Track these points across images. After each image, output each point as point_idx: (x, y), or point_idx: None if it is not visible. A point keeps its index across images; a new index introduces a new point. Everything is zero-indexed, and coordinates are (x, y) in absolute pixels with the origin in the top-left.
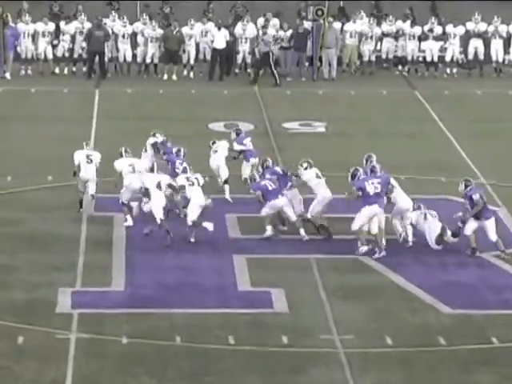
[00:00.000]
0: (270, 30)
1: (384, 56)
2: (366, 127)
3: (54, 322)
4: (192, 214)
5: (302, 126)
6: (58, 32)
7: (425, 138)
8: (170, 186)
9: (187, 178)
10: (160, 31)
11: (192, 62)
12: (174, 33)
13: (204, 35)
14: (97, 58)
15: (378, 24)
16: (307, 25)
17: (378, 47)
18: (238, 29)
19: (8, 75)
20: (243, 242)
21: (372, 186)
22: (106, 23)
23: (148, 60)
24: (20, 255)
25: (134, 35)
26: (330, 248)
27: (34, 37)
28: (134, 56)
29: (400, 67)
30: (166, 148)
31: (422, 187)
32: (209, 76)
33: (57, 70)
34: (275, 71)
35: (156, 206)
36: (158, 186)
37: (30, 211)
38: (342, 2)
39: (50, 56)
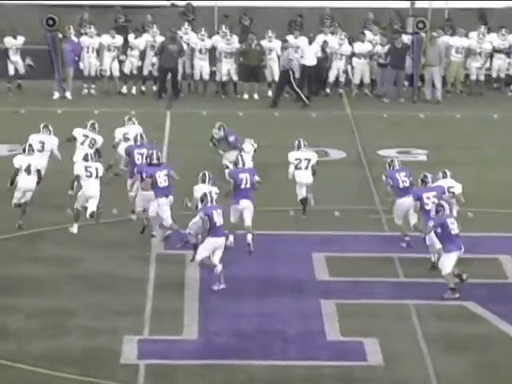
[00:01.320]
0: (314, 45)
1: (494, 75)
2: (474, 155)
3: (119, 374)
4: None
5: (400, 153)
6: (125, 46)
7: None
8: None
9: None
10: (236, 45)
11: (276, 78)
12: (253, 47)
13: (295, 51)
14: (169, 76)
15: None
16: (407, 39)
17: (488, 65)
18: (334, 44)
19: (68, 95)
20: (332, 284)
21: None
22: (180, 36)
23: (223, 78)
24: (80, 298)
25: (212, 50)
26: (431, 292)
27: (99, 51)
28: (213, 73)
29: None
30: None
31: None
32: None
33: (124, 89)
34: (298, 90)
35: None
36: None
37: (90, 249)
38: (446, 13)
39: (116, 73)
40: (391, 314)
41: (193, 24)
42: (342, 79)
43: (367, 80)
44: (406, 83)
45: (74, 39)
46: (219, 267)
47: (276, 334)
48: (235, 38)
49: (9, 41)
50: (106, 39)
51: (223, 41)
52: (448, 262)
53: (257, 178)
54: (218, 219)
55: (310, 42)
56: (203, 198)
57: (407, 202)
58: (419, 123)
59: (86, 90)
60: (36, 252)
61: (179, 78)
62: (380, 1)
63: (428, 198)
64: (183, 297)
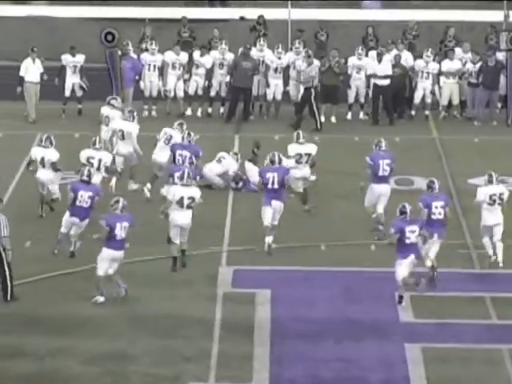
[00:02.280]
0: (384, 63)
1: None
2: None
3: None
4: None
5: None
6: (190, 64)
7: None
8: None
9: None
10: (316, 64)
11: (362, 100)
12: (333, 64)
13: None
14: (241, 96)
15: None
16: (501, 56)
17: None
18: (420, 62)
19: None
20: (417, 327)
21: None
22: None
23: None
24: (140, 342)
25: (287, 68)
26: None
27: (162, 70)
28: (285, 94)
29: None
30: None
31: None
32: (373, 119)
33: (188, 112)
34: (317, 112)
35: None
36: None
37: (150, 286)
38: None
39: (180, 94)
40: (483, 359)
41: (266, 40)
42: (429, 100)
43: (456, 101)
44: (500, 105)
45: (134, 56)
46: (114, 277)
47: (357, 381)
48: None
49: (66, 58)
50: (169, 56)
51: (301, 58)
52: (399, 270)
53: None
54: (120, 232)
55: (380, 60)
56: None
57: (382, 188)
58: None
59: (146, 112)
60: (93, 290)
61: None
62: (472, 11)
63: (436, 207)
64: (253, 340)
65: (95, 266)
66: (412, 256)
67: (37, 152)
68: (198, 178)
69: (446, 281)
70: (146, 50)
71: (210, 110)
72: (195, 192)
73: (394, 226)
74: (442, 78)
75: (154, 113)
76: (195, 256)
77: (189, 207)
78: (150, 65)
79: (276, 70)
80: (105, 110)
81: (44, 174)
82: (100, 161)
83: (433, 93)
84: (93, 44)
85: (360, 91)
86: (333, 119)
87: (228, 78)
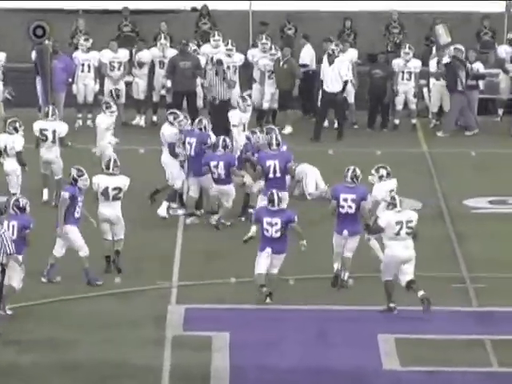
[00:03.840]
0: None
1: None
2: None
3: None
4: None
5: (493, 203)
6: (131, 64)
7: None
8: None
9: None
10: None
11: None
12: (281, 64)
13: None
14: (184, 103)
15: None
16: (504, 53)
17: None
18: (398, 61)
19: None
20: (404, 375)
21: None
22: (195, 49)
23: (265, 105)
24: None
25: (245, 68)
26: None
27: (99, 70)
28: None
29: None
30: None
31: None
32: (314, 133)
33: (137, 120)
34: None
35: None
36: None
37: (85, 328)
38: None
39: (121, 99)
40: None
41: (217, 34)
42: (413, 106)
43: (447, 107)
44: (501, 111)
45: (65, 56)
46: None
47: None
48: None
49: None
50: (106, 54)
51: (266, 56)
52: (257, 262)
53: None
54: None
55: (332, 61)
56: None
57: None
58: None
59: (80, 122)
60: (19, 333)
61: (200, 103)
62: (467, 1)
63: (345, 200)
64: None
65: (24, 305)
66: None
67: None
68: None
69: (438, 321)
70: (81, 46)
71: (154, 118)
72: (122, 181)
73: (255, 214)
74: (432, 80)
75: (89, 122)
76: (140, 292)
77: (116, 198)
78: (83, 65)
79: (229, 68)
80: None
81: (8, 165)
82: (54, 132)
83: (415, 96)
84: (17, 40)
85: None
86: (288, 129)
87: (169, 82)
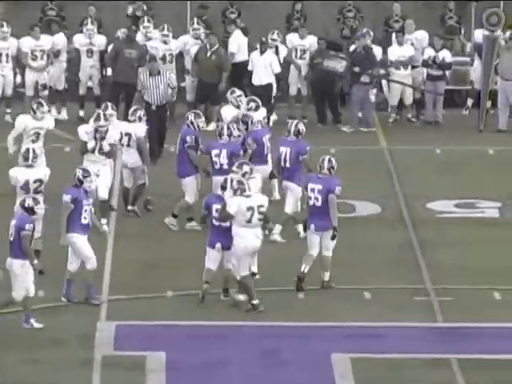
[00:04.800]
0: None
1: None
2: None
3: None
4: None
5: (460, 207)
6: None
7: None
8: None
9: None
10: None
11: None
12: (209, 54)
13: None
14: (122, 95)
15: None
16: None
17: None
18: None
19: None
20: None
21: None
22: (119, 36)
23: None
24: None
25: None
26: None
27: (18, 60)
28: (181, 91)
29: None
30: None
31: None
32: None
33: (62, 114)
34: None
35: None
36: None
37: (4, 348)
38: None
39: (44, 91)
40: None
41: (145, 19)
42: (372, 98)
43: (410, 100)
44: (470, 103)
45: None
46: None
47: None
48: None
49: None
50: (26, 42)
51: (198, 43)
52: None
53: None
54: None
55: (263, 51)
56: None
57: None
58: (488, 163)
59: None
60: None
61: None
62: None
63: (312, 190)
64: None
65: None
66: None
67: None
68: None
69: (399, 338)
70: None
71: (81, 112)
72: (42, 172)
73: (204, 201)
74: (392, 70)
75: (8, 117)
76: (65, 308)
77: (37, 192)
78: (0, 54)
79: (164, 58)
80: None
81: None
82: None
83: (378, 89)
84: None
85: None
86: (211, 126)
87: (101, 71)
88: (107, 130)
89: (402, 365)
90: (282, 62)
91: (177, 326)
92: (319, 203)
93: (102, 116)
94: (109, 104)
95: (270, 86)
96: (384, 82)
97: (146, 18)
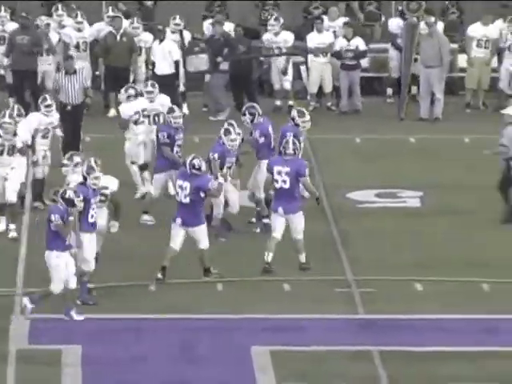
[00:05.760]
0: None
1: None
2: (493, 200)
3: None
4: None
5: (381, 197)
6: None
7: None
8: None
9: None
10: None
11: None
12: (119, 38)
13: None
14: (26, 83)
15: None
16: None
17: None
18: (267, 36)
19: None
20: None
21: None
22: (38, 24)
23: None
24: None
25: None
26: None
27: None
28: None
29: None
30: None
31: None
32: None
33: None
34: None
35: None
36: None
37: None
38: None
39: None
40: None
41: (58, 7)
42: (287, 85)
43: (329, 88)
44: (390, 91)
45: None
46: None
47: None
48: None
49: None
50: None
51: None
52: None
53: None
54: None
55: (162, 39)
56: None
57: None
58: (409, 152)
59: None
60: None
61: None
62: None
63: (279, 173)
64: None
65: None
66: None
67: None
68: None
69: (320, 330)
70: None
71: None
72: None
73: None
74: (310, 57)
75: None
76: None
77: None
78: None
79: (78, 47)
80: None
81: None
82: None
83: (284, 72)
84: None
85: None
86: (112, 112)
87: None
88: (15, 132)
89: (323, 357)
90: (186, 46)
91: (93, 319)
92: (287, 185)
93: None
94: (16, 106)
95: (172, 75)
96: (303, 69)
97: (59, 6)
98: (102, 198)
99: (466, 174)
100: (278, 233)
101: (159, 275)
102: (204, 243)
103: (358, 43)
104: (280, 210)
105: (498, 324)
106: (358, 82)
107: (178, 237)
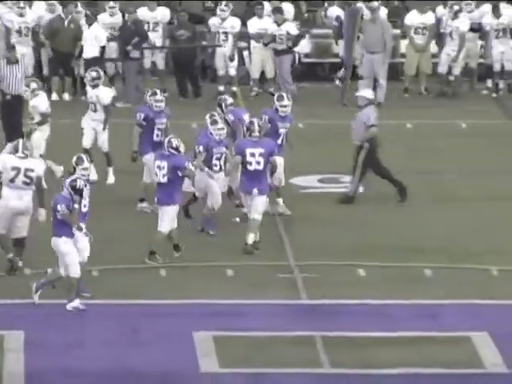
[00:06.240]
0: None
1: (462, 64)
2: (435, 185)
3: None
4: None
5: (324, 182)
6: None
7: None
8: None
9: None
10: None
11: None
12: (66, 24)
13: None
14: None
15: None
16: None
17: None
18: (214, 20)
19: None
20: (224, 378)
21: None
22: None
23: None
24: None
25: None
26: None
27: None
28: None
29: (489, 83)
30: None
31: None
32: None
33: None
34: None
35: None
36: None
37: None
38: None
39: None
40: None
41: None
42: (232, 71)
43: (271, 73)
44: (340, 75)
45: None
46: None
47: None
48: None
49: None
50: None
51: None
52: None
53: None
54: None
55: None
56: None
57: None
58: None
59: None
60: None
61: None
62: None
63: (253, 155)
64: None
65: None
66: None
67: None
68: None
69: (262, 316)
70: None
71: None
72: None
73: None
74: (252, 43)
75: None
76: None
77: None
78: None
79: (20, 32)
80: None
81: None
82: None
83: (232, 59)
84: None
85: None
86: (65, 96)
87: None
88: None
89: (265, 343)
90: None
91: (36, 304)
92: (261, 166)
93: None
94: None
95: (97, 59)
96: (246, 54)
97: None
98: (27, 180)
99: (408, 159)
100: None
101: (147, 260)
102: (163, 227)
103: (289, 28)
104: (255, 191)
105: (439, 309)
106: (286, 67)
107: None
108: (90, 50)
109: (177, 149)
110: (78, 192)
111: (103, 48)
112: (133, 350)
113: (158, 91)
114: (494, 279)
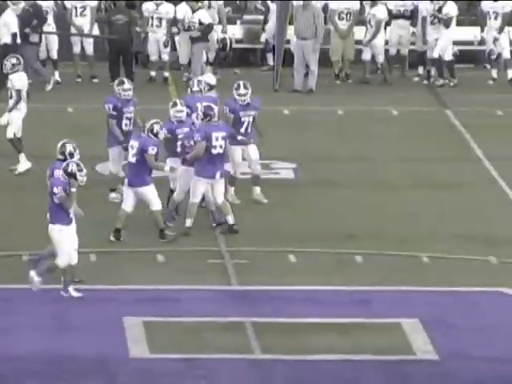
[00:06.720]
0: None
1: (393, 51)
2: (366, 172)
3: None
4: None
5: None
6: None
7: (463, 190)
8: None
9: None
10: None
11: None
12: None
13: None
14: None
15: None
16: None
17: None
18: (148, 5)
19: None
20: (154, 364)
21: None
22: None
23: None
24: None
25: None
26: (301, 375)
27: None
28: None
29: (421, 70)
30: None
31: (459, 272)
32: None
33: None
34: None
35: None
36: None
37: None
38: None
39: None
40: None
41: None
42: (165, 56)
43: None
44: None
45: None
46: None
47: None
48: None
49: None
50: None
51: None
52: None
53: None
54: None
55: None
56: None
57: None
58: (283, 123)
59: None
60: None
61: None
62: None
63: (217, 139)
64: None
65: None
66: None
67: None
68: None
69: (193, 302)
70: None
71: None
72: None
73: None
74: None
75: None
76: None
77: None
78: None
79: None
80: None
81: None
82: None
83: (166, 45)
84: None
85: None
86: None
87: None
88: None
89: (196, 328)
90: None
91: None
92: (222, 150)
93: None
94: None
95: (12, 46)
96: (177, 40)
97: None
98: None
99: (340, 145)
100: (198, 199)
101: (112, 237)
102: (155, 205)
103: (200, 16)
104: (218, 175)
105: (369, 296)
106: (197, 56)
107: (128, 198)
108: (6, 37)
109: (155, 135)
110: (72, 176)
111: (15, 35)
112: (61, 335)
113: (125, 80)
114: (424, 266)
